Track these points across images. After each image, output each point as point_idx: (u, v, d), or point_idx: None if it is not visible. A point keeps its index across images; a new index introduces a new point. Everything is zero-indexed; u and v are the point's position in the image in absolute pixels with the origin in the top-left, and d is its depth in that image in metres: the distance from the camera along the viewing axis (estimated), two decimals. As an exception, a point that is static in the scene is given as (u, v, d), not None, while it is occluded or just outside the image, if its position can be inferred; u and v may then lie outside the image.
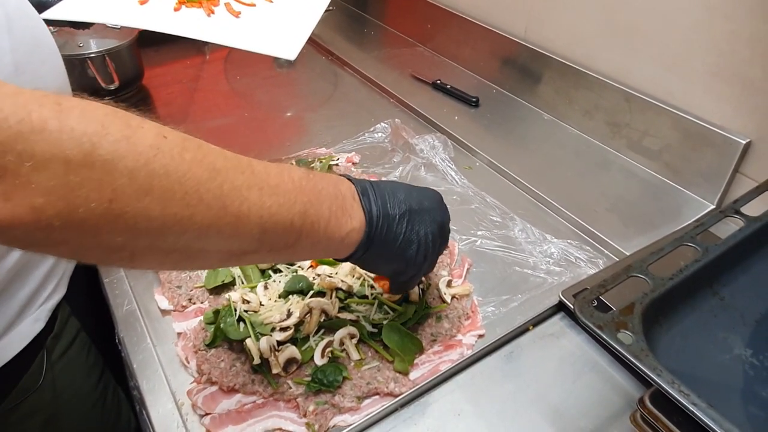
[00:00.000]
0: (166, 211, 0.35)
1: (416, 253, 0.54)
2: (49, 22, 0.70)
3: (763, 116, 0.79)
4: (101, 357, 0.82)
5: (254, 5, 0.89)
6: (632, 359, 0.42)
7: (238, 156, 0.41)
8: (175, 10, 0.85)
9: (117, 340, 0.69)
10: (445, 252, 0.78)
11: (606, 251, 0.81)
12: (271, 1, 0.91)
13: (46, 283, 0.69)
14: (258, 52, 0.77)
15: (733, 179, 0.84)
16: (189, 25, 0.83)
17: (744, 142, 0.80)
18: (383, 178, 0.94)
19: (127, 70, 1.14)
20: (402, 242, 0.53)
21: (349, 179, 0.52)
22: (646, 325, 0.45)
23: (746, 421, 0.42)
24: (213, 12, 0.86)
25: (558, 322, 0.71)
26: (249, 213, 0.39)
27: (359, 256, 0.51)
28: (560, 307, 0.72)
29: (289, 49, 0.77)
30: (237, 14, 0.86)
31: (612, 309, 0.47)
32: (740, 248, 0.54)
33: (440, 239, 0.58)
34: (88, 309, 0.83)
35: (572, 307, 0.66)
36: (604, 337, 0.44)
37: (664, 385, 0.40)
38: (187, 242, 0.37)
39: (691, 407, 0.39)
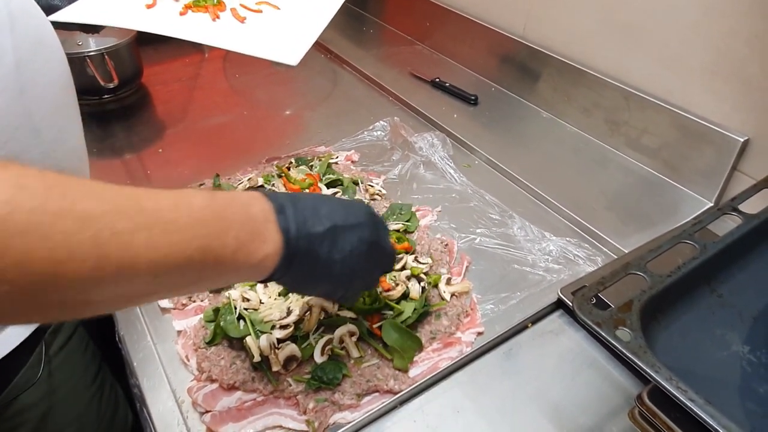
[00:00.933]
0: (30, 271, 0.31)
1: (340, 273, 0.50)
2: (57, 25, 0.70)
3: (761, 114, 0.79)
4: (99, 353, 0.83)
5: (261, 11, 0.90)
6: (630, 356, 0.42)
7: (123, 194, 0.36)
8: (181, 14, 0.86)
9: (117, 338, 0.69)
10: (444, 250, 0.78)
11: (604, 249, 0.81)
12: (278, 8, 0.91)
13: None
14: (260, 57, 0.78)
15: (731, 177, 0.84)
16: (194, 29, 0.83)
17: (742, 140, 0.80)
18: (382, 177, 0.94)
19: (126, 69, 1.14)
20: (326, 262, 0.49)
21: (265, 195, 0.47)
22: (645, 322, 0.46)
23: (744, 417, 0.43)
24: (218, 17, 0.86)
25: (557, 319, 0.71)
26: (135, 259, 0.35)
27: (279, 278, 0.47)
28: (559, 305, 0.72)
29: (292, 55, 0.77)
30: (242, 20, 0.86)
31: (610, 306, 0.47)
32: (738, 246, 0.54)
33: (374, 257, 0.53)
34: None
35: (571, 304, 0.66)
36: (603, 334, 0.44)
37: (662, 382, 0.40)
38: (65, 298, 0.33)
39: (689, 403, 0.39)
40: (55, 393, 0.72)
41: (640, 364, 0.42)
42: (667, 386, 0.40)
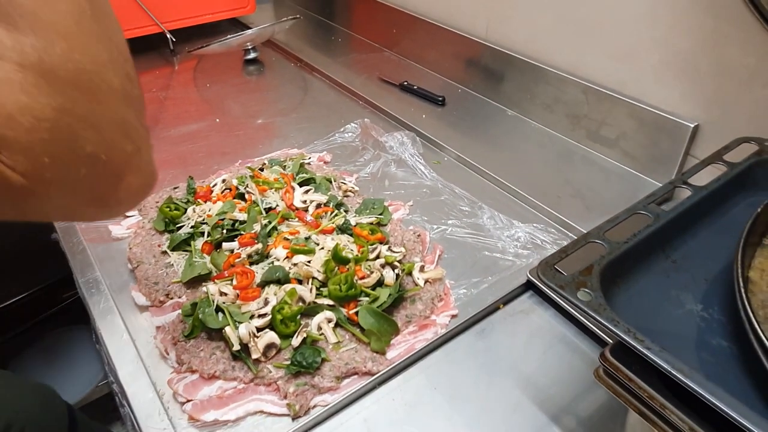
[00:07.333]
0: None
1: None
2: None
3: (709, 101, 0.84)
4: None
5: None
6: (591, 313, 0.45)
7: None
8: None
9: (94, 336, 0.69)
10: (417, 240, 0.81)
11: (570, 234, 0.84)
12: None
13: None
14: None
15: (684, 162, 0.89)
16: None
17: (692, 126, 0.85)
18: (354, 176, 0.96)
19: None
20: None
21: None
22: (605, 285, 0.48)
23: (698, 365, 0.46)
24: None
25: (527, 299, 0.74)
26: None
27: None
28: (528, 286, 0.75)
29: None
30: None
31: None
32: (689, 215, 0.57)
33: None
34: None
35: (537, 281, 0.69)
36: (565, 295, 0.46)
37: (620, 334, 0.43)
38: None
39: (645, 351, 0.41)
40: None
41: (600, 319, 0.44)
42: (625, 337, 0.43)
